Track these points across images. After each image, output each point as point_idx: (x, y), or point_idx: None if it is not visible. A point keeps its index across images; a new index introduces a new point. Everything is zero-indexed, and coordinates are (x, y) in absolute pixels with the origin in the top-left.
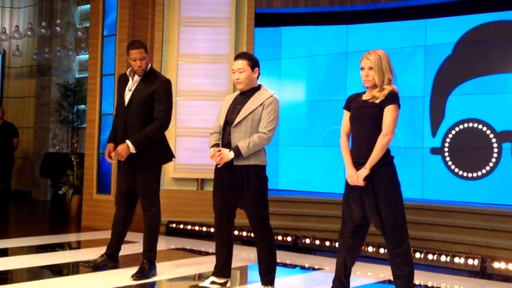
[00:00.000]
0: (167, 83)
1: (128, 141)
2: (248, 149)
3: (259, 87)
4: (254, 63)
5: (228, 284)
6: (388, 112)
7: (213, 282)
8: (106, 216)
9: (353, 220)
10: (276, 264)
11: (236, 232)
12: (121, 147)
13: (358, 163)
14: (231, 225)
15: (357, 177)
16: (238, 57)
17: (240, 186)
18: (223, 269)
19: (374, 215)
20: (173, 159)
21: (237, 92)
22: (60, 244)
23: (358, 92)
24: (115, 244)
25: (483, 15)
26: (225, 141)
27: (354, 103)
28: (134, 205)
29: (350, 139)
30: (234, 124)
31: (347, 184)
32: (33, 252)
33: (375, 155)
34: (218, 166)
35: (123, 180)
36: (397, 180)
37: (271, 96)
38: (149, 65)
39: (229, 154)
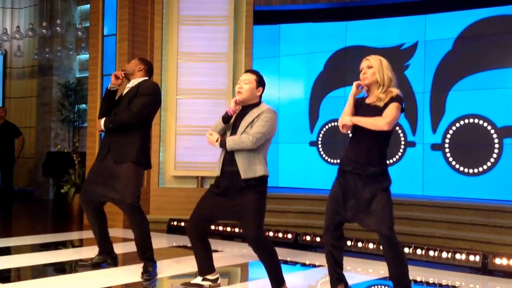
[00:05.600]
0: (153, 84)
1: (103, 119)
2: (233, 143)
3: (259, 103)
4: (261, 82)
5: (219, 281)
6: (392, 106)
7: (204, 279)
8: (108, 214)
9: (340, 216)
10: (280, 266)
11: (236, 230)
12: (98, 122)
13: (354, 167)
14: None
15: (341, 121)
16: (248, 71)
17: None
18: (210, 265)
19: (362, 214)
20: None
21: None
22: (63, 242)
23: (361, 97)
24: (101, 241)
25: (483, 10)
26: (227, 155)
27: (359, 108)
28: (101, 205)
29: (350, 140)
30: None
31: (339, 183)
32: (36, 250)
33: (364, 121)
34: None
35: (95, 183)
36: (389, 189)
37: (269, 107)
38: (146, 78)
39: (215, 142)
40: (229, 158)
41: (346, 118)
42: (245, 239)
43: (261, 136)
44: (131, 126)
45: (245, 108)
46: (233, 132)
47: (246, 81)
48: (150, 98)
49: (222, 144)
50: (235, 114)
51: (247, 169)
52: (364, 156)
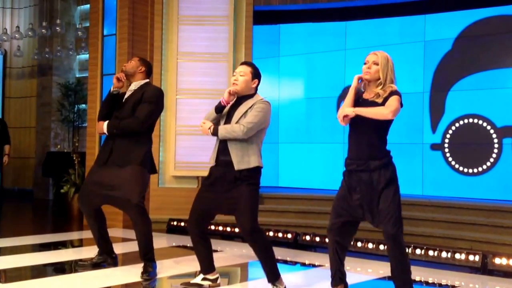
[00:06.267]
0: (158, 90)
1: (105, 122)
2: (225, 132)
3: (253, 95)
4: (256, 74)
5: (219, 281)
6: (393, 98)
7: (204, 279)
8: (108, 214)
9: (346, 216)
10: (274, 260)
11: (236, 230)
12: (98, 124)
13: (357, 164)
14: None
15: (344, 112)
16: (243, 63)
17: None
18: (210, 265)
19: (373, 212)
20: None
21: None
22: (63, 242)
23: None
24: (101, 241)
25: (482, 10)
26: (221, 145)
27: (357, 102)
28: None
29: (349, 139)
30: None
31: (345, 184)
32: (36, 250)
33: (367, 111)
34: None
35: (96, 185)
36: (396, 179)
37: (263, 98)
38: (148, 81)
39: (207, 130)
40: (223, 147)
41: (349, 109)
42: (241, 232)
43: (253, 125)
44: (136, 133)
45: (240, 99)
46: (227, 122)
47: (242, 73)
48: (156, 106)
49: (215, 133)
50: (228, 105)
51: (240, 160)
52: (366, 152)
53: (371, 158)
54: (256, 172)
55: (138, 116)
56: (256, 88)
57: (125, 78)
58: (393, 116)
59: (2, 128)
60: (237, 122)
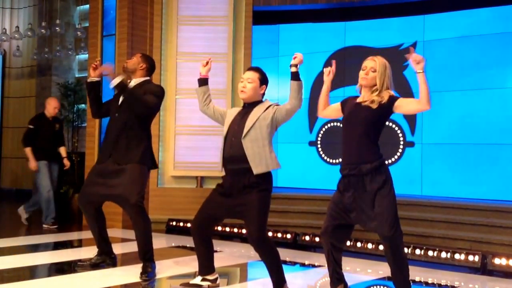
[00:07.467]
0: (159, 87)
1: (121, 76)
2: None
3: (261, 101)
4: (264, 80)
5: (218, 281)
6: (404, 99)
7: (204, 279)
8: (107, 215)
9: (340, 219)
10: (281, 266)
11: (235, 230)
12: (113, 75)
13: (350, 168)
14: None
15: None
16: (251, 69)
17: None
18: (210, 266)
19: (367, 215)
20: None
21: (239, 108)
22: (62, 243)
23: (352, 96)
24: (101, 242)
25: (482, 10)
26: (227, 154)
27: (348, 106)
28: (101, 205)
29: (342, 144)
30: (243, 135)
31: (339, 188)
32: (35, 250)
33: (424, 90)
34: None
35: (95, 184)
36: (390, 181)
37: (274, 104)
38: (148, 78)
39: (293, 66)
40: (230, 156)
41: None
42: (246, 238)
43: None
44: (141, 109)
45: (248, 106)
46: (239, 128)
47: (249, 80)
48: (159, 100)
49: (297, 76)
50: (237, 114)
51: (258, 163)
52: (356, 155)
53: (362, 162)
54: (266, 177)
55: (150, 96)
56: (263, 94)
57: (100, 65)
58: (429, 105)
59: (60, 127)
60: (252, 126)
